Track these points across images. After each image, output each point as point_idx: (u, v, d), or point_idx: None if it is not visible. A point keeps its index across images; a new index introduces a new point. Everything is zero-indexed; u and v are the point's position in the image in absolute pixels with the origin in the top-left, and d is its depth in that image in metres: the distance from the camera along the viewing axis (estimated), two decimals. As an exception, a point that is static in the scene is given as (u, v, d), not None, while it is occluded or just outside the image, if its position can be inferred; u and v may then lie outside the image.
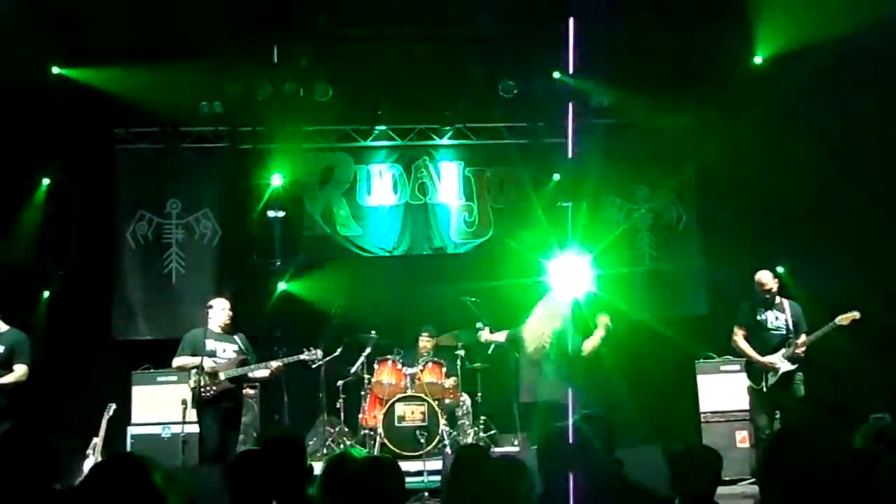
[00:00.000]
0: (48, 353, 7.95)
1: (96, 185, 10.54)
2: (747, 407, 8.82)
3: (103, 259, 10.48)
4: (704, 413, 9.44)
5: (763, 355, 8.21)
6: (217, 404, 7.82)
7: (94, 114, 10.17)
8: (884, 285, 9.53)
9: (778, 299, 8.35)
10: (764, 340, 8.27)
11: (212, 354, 7.88)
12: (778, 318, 8.29)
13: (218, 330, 8.04)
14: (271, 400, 9.68)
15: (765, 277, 8.37)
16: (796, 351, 8.07)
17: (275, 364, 8.13)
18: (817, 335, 8.10)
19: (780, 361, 8.14)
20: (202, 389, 7.79)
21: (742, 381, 8.92)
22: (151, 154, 10.71)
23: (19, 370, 7.63)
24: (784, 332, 8.22)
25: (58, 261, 10.24)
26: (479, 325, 8.91)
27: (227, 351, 7.99)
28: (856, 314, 8.01)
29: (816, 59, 9.06)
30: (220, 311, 8.07)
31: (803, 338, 8.11)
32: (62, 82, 9.69)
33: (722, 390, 9.39)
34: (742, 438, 9.11)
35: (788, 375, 8.08)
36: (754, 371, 8.33)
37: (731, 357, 9.47)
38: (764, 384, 8.18)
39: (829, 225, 10.07)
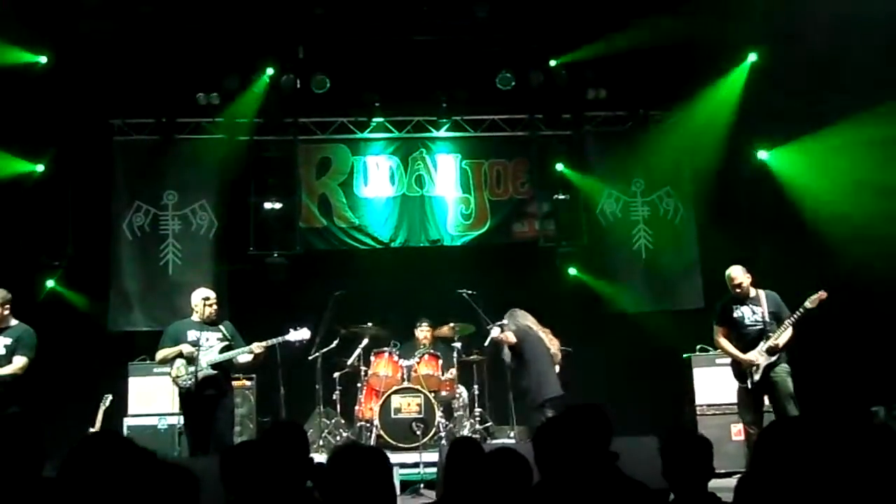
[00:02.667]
0: (45, 344, 7.93)
1: (93, 177, 10.53)
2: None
3: (100, 250, 10.47)
4: (700, 406, 9.47)
5: (744, 352, 8.06)
6: (200, 392, 7.79)
7: (90, 105, 10.14)
8: (878, 276, 9.56)
9: (753, 292, 8.16)
10: (743, 337, 8.11)
11: (194, 344, 7.84)
12: (755, 313, 8.10)
13: (199, 320, 7.99)
14: (267, 392, 9.68)
15: (734, 272, 8.19)
16: (774, 343, 7.90)
17: (255, 346, 7.98)
18: (791, 322, 7.93)
19: (759, 357, 7.97)
20: (183, 378, 7.81)
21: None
22: (148, 145, 10.69)
23: (18, 362, 7.61)
24: (761, 325, 8.02)
25: (54, 252, 10.24)
26: (498, 323, 8.92)
27: (210, 339, 7.93)
28: (822, 294, 7.82)
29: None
30: (199, 302, 8.02)
31: (776, 338, 7.92)
32: (58, 73, 9.68)
33: (717, 383, 9.39)
34: (737, 431, 9.11)
35: (771, 368, 7.93)
36: (739, 369, 8.19)
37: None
38: (749, 381, 8.04)
39: (824, 217, 10.10)
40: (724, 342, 8.23)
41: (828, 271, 8.97)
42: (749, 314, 8.12)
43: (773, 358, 7.93)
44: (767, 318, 8.03)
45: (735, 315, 8.16)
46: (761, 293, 8.16)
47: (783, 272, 9.12)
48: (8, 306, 7.72)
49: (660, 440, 6.92)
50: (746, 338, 8.09)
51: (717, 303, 8.42)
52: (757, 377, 7.98)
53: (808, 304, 7.86)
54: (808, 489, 2.67)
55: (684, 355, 9.77)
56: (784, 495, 2.75)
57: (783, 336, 7.93)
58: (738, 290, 8.15)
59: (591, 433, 3.90)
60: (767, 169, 10.58)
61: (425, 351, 9.83)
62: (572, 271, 11.00)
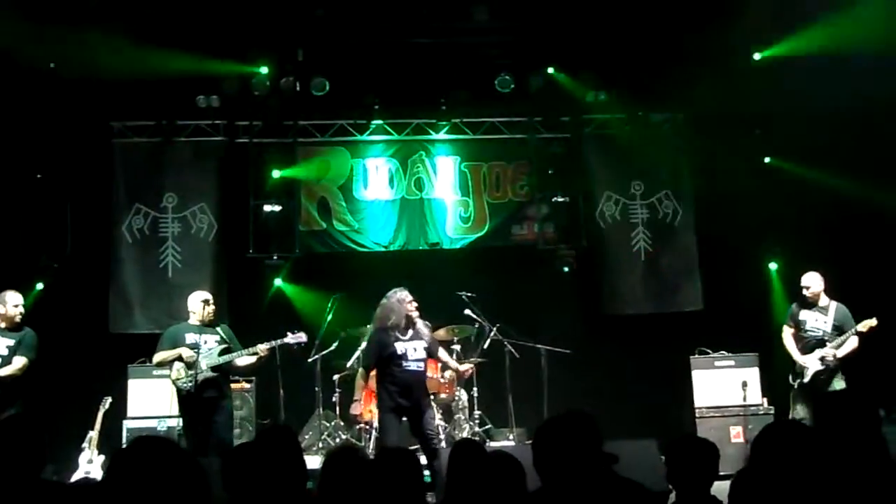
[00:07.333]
0: (43, 345, 7.95)
1: (92, 179, 10.53)
2: (741, 402, 9.03)
3: (99, 252, 10.47)
4: (699, 408, 9.47)
5: (802, 354, 8.48)
6: (200, 394, 7.81)
7: (90, 107, 10.15)
8: (880, 283, 9.59)
9: (825, 301, 8.53)
10: (801, 340, 8.56)
11: (193, 347, 7.87)
12: (818, 321, 8.50)
13: (198, 323, 8.01)
14: (267, 394, 9.69)
15: (806, 278, 8.59)
16: (828, 357, 8.32)
17: (262, 347, 8.02)
18: (842, 343, 8.32)
19: (811, 363, 8.37)
20: (183, 380, 7.82)
21: (736, 376, 9.11)
22: (148, 147, 10.69)
23: (17, 363, 7.64)
24: (820, 334, 8.44)
25: (53, 254, 10.25)
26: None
27: (208, 342, 7.95)
28: (873, 322, 8.26)
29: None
30: (198, 305, 8.05)
31: (833, 348, 8.33)
32: (59, 75, 9.69)
33: (717, 385, 9.44)
34: (736, 434, 9.16)
35: (820, 375, 8.31)
36: (793, 368, 8.59)
37: (725, 352, 9.54)
38: (798, 381, 8.47)
39: (828, 220, 10.13)
40: (788, 341, 8.67)
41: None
42: (812, 320, 8.55)
43: (823, 367, 8.33)
44: (829, 329, 8.44)
45: (800, 317, 8.60)
46: (832, 304, 8.53)
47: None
48: (21, 308, 7.81)
49: (659, 443, 6.97)
50: (805, 342, 8.53)
51: (793, 302, 8.81)
52: (805, 380, 8.41)
53: (858, 328, 8.32)
54: (800, 491, 2.68)
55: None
56: (777, 495, 2.76)
57: (843, 349, 8.33)
58: (808, 296, 8.55)
59: (585, 437, 3.89)
60: (770, 172, 10.66)
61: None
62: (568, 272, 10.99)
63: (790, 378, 8.61)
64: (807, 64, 9.31)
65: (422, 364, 7.72)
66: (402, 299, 7.76)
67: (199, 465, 2.69)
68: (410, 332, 7.72)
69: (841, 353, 8.31)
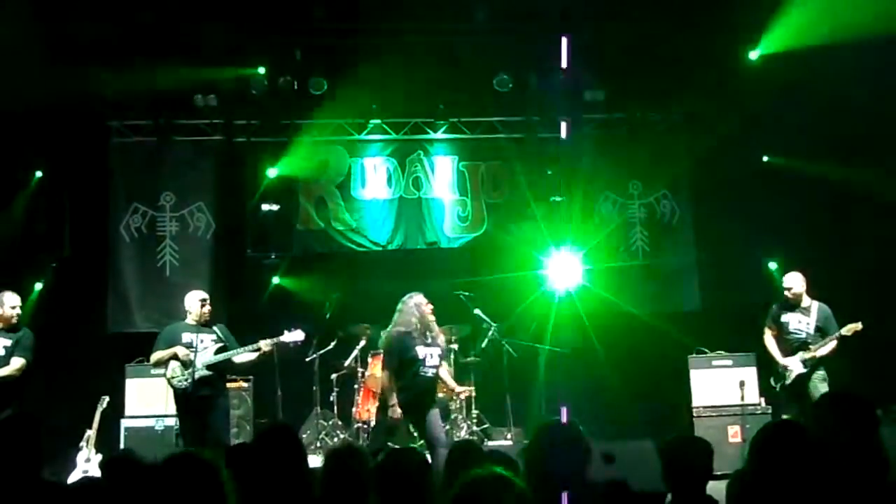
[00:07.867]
0: (41, 345, 7.95)
1: (90, 178, 10.52)
2: (739, 402, 9.01)
3: (97, 251, 10.47)
4: (697, 408, 9.46)
5: (785, 356, 8.41)
6: (195, 393, 7.80)
7: (88, 106, 10.14)
8: (879, 282, 9.60)
9: (807, 302, 8.45)
10: (785, 342, 8.48)
11: (189, 346, 7.86)
12: (801, 322, 8.43)
13: (194, 322, 8.01)
14: (265, 393, 9.69)
15: (788, 280, 8.52)
16: (811, 356, 8.25)
17: (264, 343, 7.98)
18: (823, 344, 8.26)
19: (793, 364, 8.32)
20: (178, 379, 7.83)
21: (734, 375, 9.16)
22: (146, 147, 10.68)
23: (15, 363, 7.64)
24: (804, 336, 8.37)
25: (51, 253, 10.24)
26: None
27: (204, 341, 7.92)
28: (858, 325, 8.20)
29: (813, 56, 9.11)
30: (195, 304, 8.03)
31: (814, 349, 8.27)
32: (56, 75, 9.68)
33: (714, 385, 9.42)
34: (734, 433, 9.14)
35: (804, 377, 8.25)
36: (776, 369, 8.54)
37: (723, 352, 9.53)
38: (780, 383, 8.43)
39: (826, 220, 10.14)
40: (769, 343, 8.58)
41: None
42: (795, 322, 8.46)
43: (805, 370, 8.27)
44: (811, 331, 8.37)
45: (782, 319, 8.50)
46: (814, 304, 8.46)
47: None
48: (18, 309, 7.82)
49: (657, 443, 6.96)
50: (788, 343, 8.45)
51: (773, 304, 8.69)
52: (788, 382, 8.36)
53: (843, 331, 8.22)
54: (797, 491, 2.69)
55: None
56: (774, 495, 2.77)
57: (822, 349, 8.25)
58: (789, 297, 8.46)
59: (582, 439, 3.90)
60: (769, 171, 10.67)
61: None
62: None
63: (772, 380, 8.59)
64: (806, 63, 9.31)
65: (436, 370, 7.78)
66: (419, 303, 7.81)
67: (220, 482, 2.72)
68: (430, 337, 7.76)
69: (820, 353, 8.25)
